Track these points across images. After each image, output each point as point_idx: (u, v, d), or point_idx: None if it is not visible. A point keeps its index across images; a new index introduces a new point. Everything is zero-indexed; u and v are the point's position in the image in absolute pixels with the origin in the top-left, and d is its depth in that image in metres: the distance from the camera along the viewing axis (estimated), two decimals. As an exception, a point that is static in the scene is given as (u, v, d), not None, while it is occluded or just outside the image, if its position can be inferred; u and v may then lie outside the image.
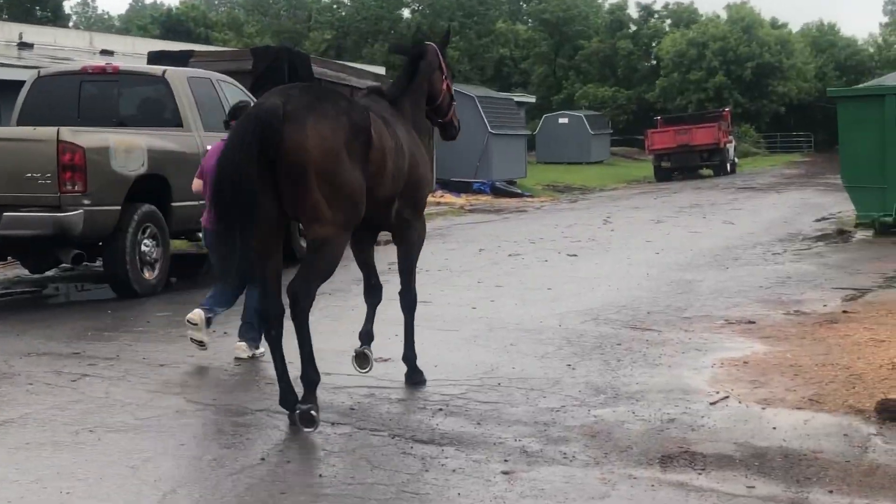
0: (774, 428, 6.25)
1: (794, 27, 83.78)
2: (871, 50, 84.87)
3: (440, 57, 7.87)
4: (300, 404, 6.26)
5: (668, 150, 45.12)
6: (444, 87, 7.91)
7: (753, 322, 9.95)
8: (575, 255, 15.71)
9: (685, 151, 45.13)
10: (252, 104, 7.09)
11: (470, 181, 34.43)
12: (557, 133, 53.83)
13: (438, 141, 33.10)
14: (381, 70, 36.62)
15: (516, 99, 45.14)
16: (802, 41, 78.51)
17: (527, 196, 34.53)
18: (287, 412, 6.38)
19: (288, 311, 6.23)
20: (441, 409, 6.74)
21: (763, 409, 6.71)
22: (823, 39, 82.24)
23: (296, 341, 6.23)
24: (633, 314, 10.47)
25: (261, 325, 7.78)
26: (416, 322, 7.80)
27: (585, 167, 50.46)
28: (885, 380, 7.23)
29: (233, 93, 14.01)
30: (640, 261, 14.94)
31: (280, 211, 6.27)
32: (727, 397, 7.00)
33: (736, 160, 50.52)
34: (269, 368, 7.05)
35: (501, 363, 8.16)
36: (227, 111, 13.56)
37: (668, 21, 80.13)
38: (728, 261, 15.01)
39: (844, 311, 10.42)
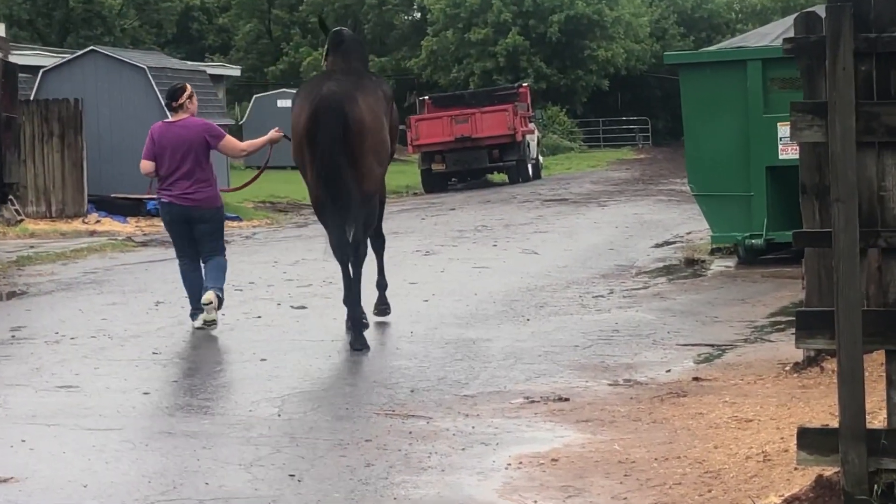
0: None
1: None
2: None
3: None
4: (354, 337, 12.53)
5: (442, 145, 45.54)
6: None
7: (566, 399, 10.17)
8: (303, 308, 15.70)
9: (466, 147, 45.76)
10: (312, 92, 12.73)
11: (142, 198, 33.81)
12: (277, 121, 53.56)
13: (95, 139, 32.61)
14: (-4, 29, 35.64)
15: (211, 71, 44.92)
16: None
17: (231, 219, 34.18)
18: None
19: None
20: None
21: (580, 528, 6.86)
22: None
23: None
24: (391, 393, 10.54)
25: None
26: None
27: (320, 173, 50.31)
28: (755, 477, 7.49)
29: None
30: (400, 313, 15.00)
31: None
32: (528, 514, 7.12)
33: (541, 160, 51.79)
34: None
35: (189, 475, 8.06)
36: None
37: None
38: (529, 309, 15.33)
39: (696, 379, 10.81)
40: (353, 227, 12.63)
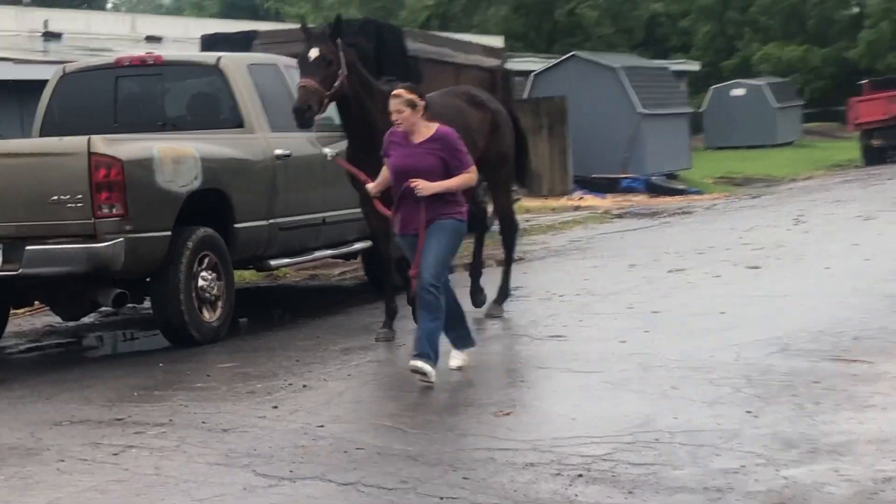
0: None
1: None
2: None
3: None
4: None
5: (880, 122, 44.54)
6: None
7: None
8: (757, 268, 15.52)
9: (901, 124, 44.49)
10: None
11: (617, 177, 34.30)
12: (731, 109, 53.24)
13: (577, 129, 33.15)
14: (496, 41, 36.73)
15: (674, 67, 44.86)
16: None
17: (693, 193, 34.20)
18: None
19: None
20: (581, 475, 6.69)
21: None
22: None
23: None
24: (836, 341, 10.29)
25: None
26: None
27: (770, 151, 49.80)
28: None
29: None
30: (843, 271, 14.68)
31: None
32: (964, 447, 6.84)
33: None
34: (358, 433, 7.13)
35: (660, 413, 8.08)
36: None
37: (873, -47, 78.75)
38: (965, 266, 14.70)
39: None
40: None
